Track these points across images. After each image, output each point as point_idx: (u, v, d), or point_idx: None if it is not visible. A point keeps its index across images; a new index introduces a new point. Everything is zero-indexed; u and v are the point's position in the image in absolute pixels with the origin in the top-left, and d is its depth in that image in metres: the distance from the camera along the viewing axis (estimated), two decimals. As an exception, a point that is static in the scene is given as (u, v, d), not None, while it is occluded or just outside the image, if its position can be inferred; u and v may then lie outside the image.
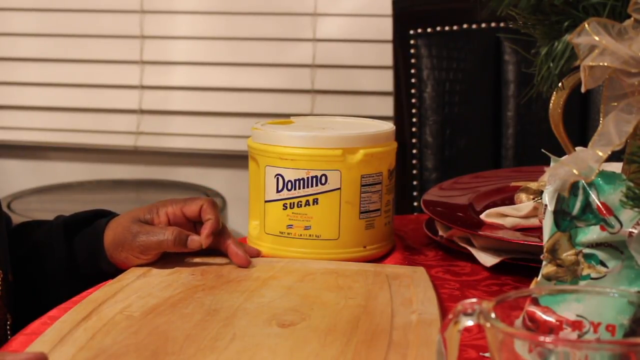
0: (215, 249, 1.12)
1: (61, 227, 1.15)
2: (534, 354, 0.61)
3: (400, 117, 1.82)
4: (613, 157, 0.76)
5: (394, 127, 1.17)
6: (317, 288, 1.02)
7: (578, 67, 0.78)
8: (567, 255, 0.78)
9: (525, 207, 1.17)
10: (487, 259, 1.10)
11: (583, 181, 0.76)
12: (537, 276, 0.82)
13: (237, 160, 2.50)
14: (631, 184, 0.74)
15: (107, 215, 1.16)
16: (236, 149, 2.50)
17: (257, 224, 1.16)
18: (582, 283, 0.78)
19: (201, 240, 1.08)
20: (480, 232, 1.12)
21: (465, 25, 1.81)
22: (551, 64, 0.81)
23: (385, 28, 2.18)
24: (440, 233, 1.20)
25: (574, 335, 0.71)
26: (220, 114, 2.53)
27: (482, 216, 1.17)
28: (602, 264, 0.77)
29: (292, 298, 0.99)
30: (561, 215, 0.78)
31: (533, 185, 1.22)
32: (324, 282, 1.04)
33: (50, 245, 1.15)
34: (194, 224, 1.13)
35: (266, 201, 1.14)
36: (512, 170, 1.61)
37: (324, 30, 2.44)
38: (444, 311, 0.96)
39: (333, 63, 2.45)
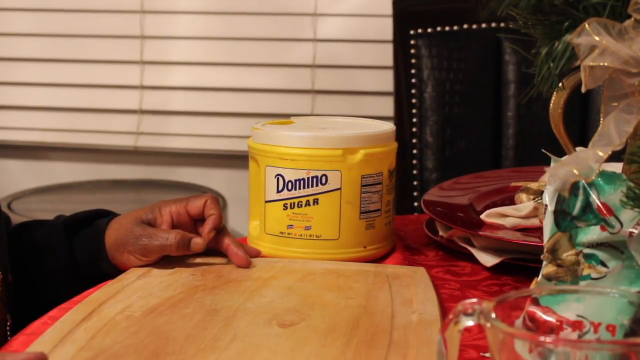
0: (215, 249, 1.12)
1: (61, 227, 1.15)
2: (535, 354, 0.61)
3: (401, 117, 1.82)
4: (613, 157, 0.76)
5: (394, 127, 1.17)
6: (318, 288, 1.02)
7: (578, 67, 0.78)
8: (568, 255, 0.78)
9: (526, 207, 1.17)
10: (488, 259, 1.10)
11: (583, 181, 0.76)
12: (537, 276, 0.82)
13: (238, 160, 2.50)
14: (631, 184, 0.74)
15: (107, 215, 1.16)
16: (236, 149, 2.50)
17: (257, 224, 1.16)
18: (582, 283, 0.78)
19: (203, 236, 1.09)
20: (481, 232, 1.12)
21: (465, 25, 1.81)
22: (551, 64, 0.81)
23: (385, 28, 2.18)
24: (441, 233, 1.20)
25: (574, 336, 0.71)
26: (220, 114, 2.53)
27: (482, 216, 1.17)
28: (603, 264, 0.77)
29: (292, 298, 0.99)
30: (561, 216, 0.78)
31: (533, 185, 1.22)
32: (324, 282, 1.04)
33: (50, 245, 1.15)
34: (196, 223, 1.13)
35: (266, 201, 1.14)
36: (512, 170, 1.61)
37: (324, 30, 2.44)
38: (444, 311, 0.96)
39: (333, 63, 2.45)
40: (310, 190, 1.11)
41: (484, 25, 1.81)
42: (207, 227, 1.10)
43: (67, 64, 2.56)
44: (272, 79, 2.48)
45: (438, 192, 1.32)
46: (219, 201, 1.14)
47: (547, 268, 0.80)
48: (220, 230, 1.11)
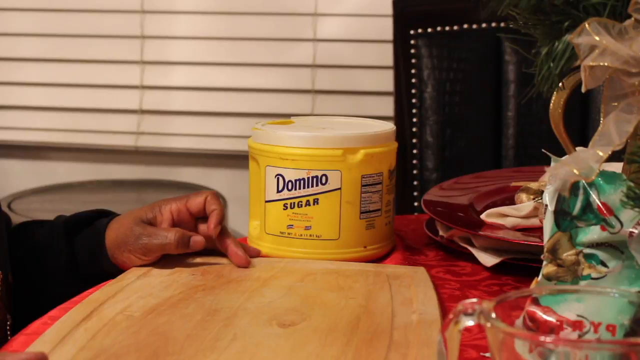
0: (215, 248, 1.12)
1: (62, 227, 1.15)
2: (535, 354, 0.61)
3: (401, 117, 1.82)
4: (613, 157, 0.76)
5: (395, 127, 1.17)
6: (318, 288, 1.02)
7: (578, 67, 0.78)
8: (568, 255, 0.78)
9: (526, 207, 1.17)
10: (488, 259, 1.10)
11: (583, 181, 0.76)
12: (537, 276, 0.82)
13: (238, 160, 2.50)
14: (632, 184, 0.74)
15: (107, 215, 1.16)
16: (237, 149, 2.50)
17: (257, 224, 1.16)
18: (582, 283, 0.78)
19: (209, 231, 1.09)
20: (481, 232, 1.12)
21: (465, 25, 1.81)
22: (551, 64, 0.81)
23: (385, 28, 2.17)
24: (441, 233, 1.20)
25: (574, 335, 0.71)
26: (220, 114, 2.53)
27: (482, 216, 1.17)
28: (603, 264, 0.77)
29: (292, 298, 0.99)
30: (562, 215, 0.78)
31: (533, 185, 1.22)
32: (324, 282, 1.04)
33: (50, 245, 1.15)
34: (197, 220, 1.13)
35: (267, 201, 1.14)
36: (512, 170, 1.61)
37: (325, 30, 2.44)
38: (444, 311, 0.96)
39: (333, 63, 2.45)
40: (311, 190, 1.11)
41: (484, 25, 1.81)
42: (212, 222, 1.10)
43: (67, 64, 2.56)
44: (272, 79, 2.48)
45: (438, 192, 1.32)
46: (219, 196, 1.14)
47: (547, 268, 0.80)
48: (220, 229, 1.11)
